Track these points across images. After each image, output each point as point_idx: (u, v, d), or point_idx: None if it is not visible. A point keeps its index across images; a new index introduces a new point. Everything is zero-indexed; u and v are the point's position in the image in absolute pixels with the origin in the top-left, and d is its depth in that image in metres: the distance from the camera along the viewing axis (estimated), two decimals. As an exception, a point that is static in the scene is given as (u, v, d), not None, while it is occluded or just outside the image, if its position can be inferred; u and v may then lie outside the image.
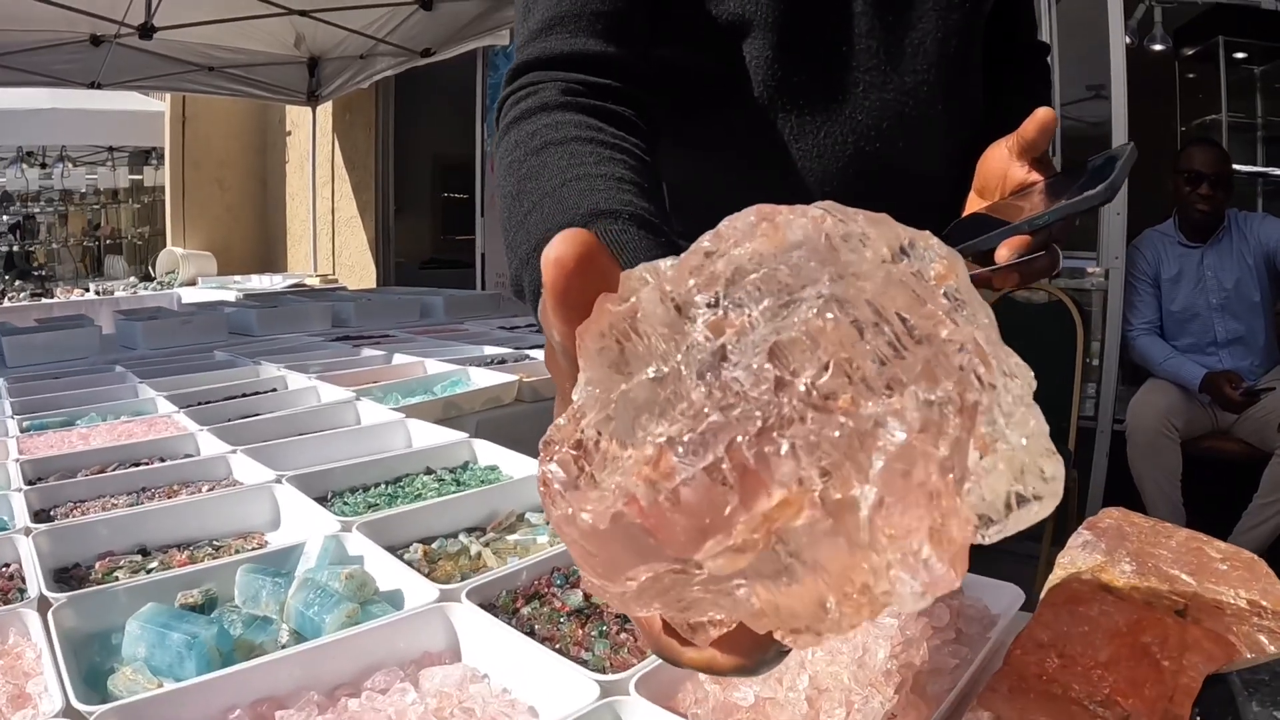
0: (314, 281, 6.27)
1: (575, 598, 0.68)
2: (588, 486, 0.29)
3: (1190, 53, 5.32)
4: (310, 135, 7.11)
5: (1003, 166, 0.77)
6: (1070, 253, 4.30)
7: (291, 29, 5.77)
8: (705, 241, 0.31)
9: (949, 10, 0.87)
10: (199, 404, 1.55)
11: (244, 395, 1.64)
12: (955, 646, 0.59)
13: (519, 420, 1.51)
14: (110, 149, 11.17)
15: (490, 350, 2.13)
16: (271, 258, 8.18)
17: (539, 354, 2.03)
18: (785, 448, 0.26)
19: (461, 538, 0.85)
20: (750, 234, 0.30)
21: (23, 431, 1.40)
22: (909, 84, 0.86)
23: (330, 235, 7.38)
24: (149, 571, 0.78)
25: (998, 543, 0.28)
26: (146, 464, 1.16)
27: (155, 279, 7.75)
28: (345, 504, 0.96)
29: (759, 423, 0.26)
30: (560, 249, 0.33)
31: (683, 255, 0.31)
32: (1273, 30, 5.19)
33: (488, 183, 5.76)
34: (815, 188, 0.86)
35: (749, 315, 0.28)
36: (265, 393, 1.66)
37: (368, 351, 2.18)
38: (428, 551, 0.81)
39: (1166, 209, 3.54)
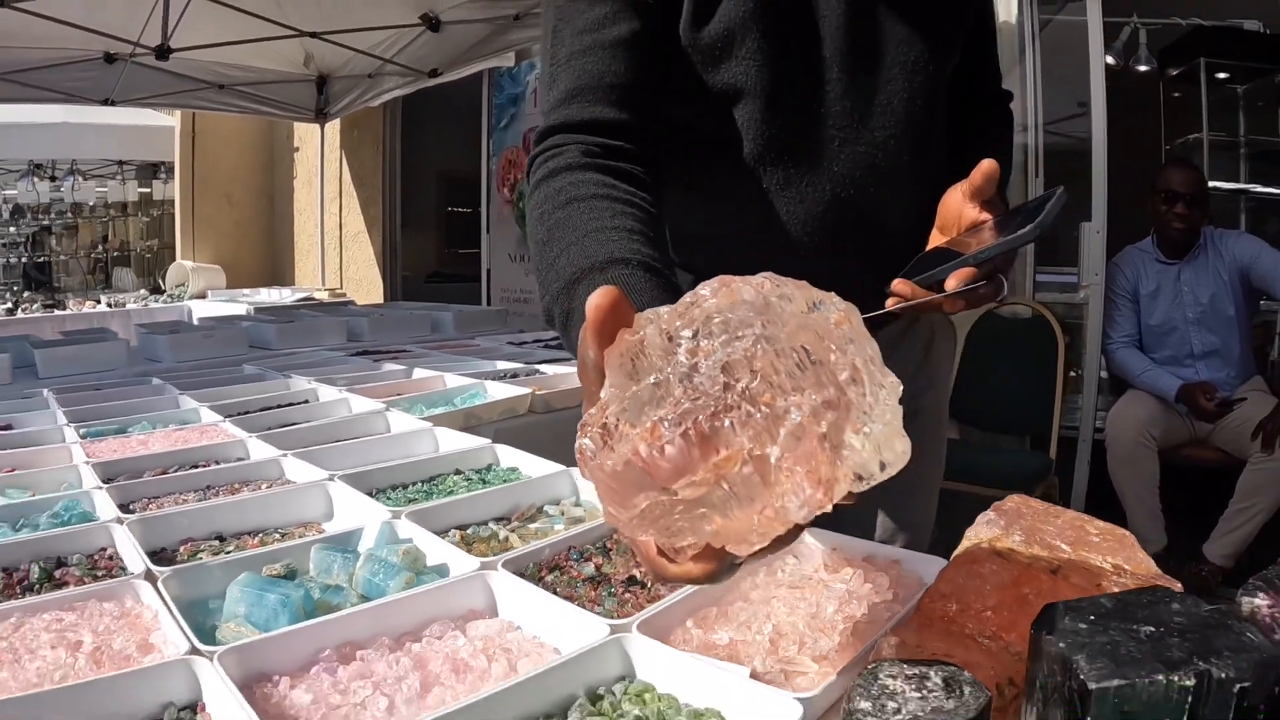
0: (323, 295, 6.41)
1: (589, 568, 0.83)
2: (608, 451, 0.45)
3: (1174, 73, 5.47)
4: (318, 152, 7.26)
5: (958, 207, 0.91)
6: (1053, 269, 4.45)
7: (301, 48, 5.89)
8: (688, 297, 0.48)
9: (914, 73, 1.02)
10: (240, 414, 1.70)
11: (279, 406, 1.79)
12: (891, 605, 0.74)
13: (533, 429, 1.66)
14: (120, 163, 11.33)
15: (502, 365, 2.29)
16: (279, 271, 8.32)
17: (548, 369, 2.19)
18: (728, 424, 0.44)
19: (491, 525, 1.01)
20: (716, 293, 0.47)
21: (82, 438, 1.55)
22: (879, 138, 1.01)
23: (338, 250, 7.52)
24: (228, 553, 0.94)
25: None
26: (205, 466, 1.32)
27: (165, 291, 7.88)
28: (388, 498, 1.12)
29: (713, 409, 0.44)
30: (597, 299, 0.50)
31: (674, 305, 0.48)
32: (1254, 50, 5.34)
33: (493, 199, 5.90)
34: (799, 229, 1.01)
35: (712, 344, 0.46)
36: (299, 404, 1.82)
37: (389, 366, 2.34)
38: (464, 536, 0.96)
39: (1149, 225, 3.69)
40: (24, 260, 11.12)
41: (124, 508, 1.11)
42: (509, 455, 1.27)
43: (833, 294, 0.49)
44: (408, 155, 7.38)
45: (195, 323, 4.44)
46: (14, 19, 4.37)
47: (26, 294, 8.63)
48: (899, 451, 0.46)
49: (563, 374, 2.11)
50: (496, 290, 5.91)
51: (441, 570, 0.85)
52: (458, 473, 1.23)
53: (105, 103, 6.05)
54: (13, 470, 1.34)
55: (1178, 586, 0.63)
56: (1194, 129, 5.30)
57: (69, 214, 11.56)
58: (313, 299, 6.21)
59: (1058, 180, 4.28)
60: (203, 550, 0.97)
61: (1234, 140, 5.42)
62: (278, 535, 1.02)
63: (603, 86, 0.91)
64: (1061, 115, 4.62)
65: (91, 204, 11.62)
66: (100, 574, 0.91)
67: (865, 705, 0.47)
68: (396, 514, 0.97)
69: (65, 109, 7.75)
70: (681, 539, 0.46)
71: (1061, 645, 0.47)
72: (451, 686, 0.65)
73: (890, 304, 0.84)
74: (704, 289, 0.49)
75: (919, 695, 0.48)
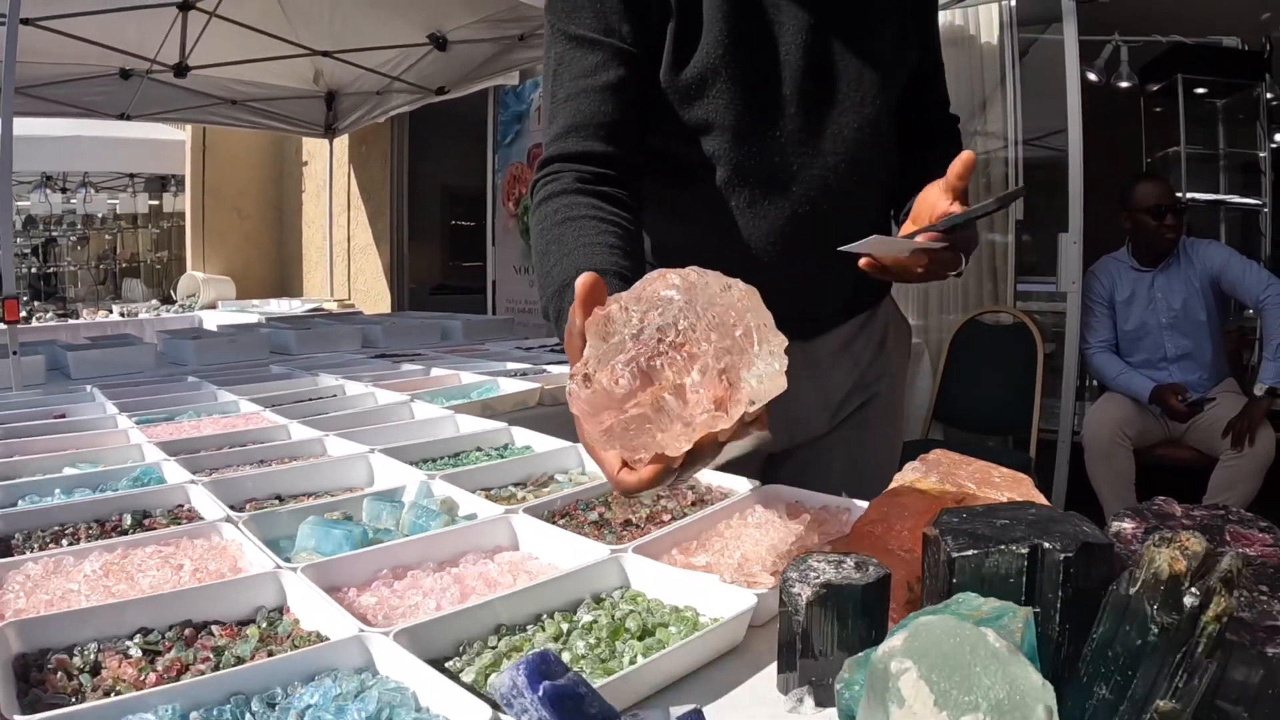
0: (332, 306, 6.58)
1: (593, 515, 1.01)
2: (587, 387, 0.65)
3: (1154, 89, 5.65)
4: (327, 166, 7.44)
5: (933, 199, 1.05)
6: (1032, 278, 4.63)
7: (311, 65, 6.06)
8: (640, 283, 0.67)
9: (862, 106, 1.21)
10: (276, 405, 1.88)
11: (311, 399, 1.97)
12: (837, 539, 0.92)
13: (543, 420, 1.83)
14: (130, 176, 11.52)
15: (512, 365, 2.48)
16: (288, 283, 8.50)
17: (554, 369, 2.38)
18: (660, 364, 0.64)
19: (510, 487, 1.19)
20: (658, 279, 0.67)
21: (136, 424, 1.72)
22: (830, 162, 1.20)
23: (346, 261, 7.70)
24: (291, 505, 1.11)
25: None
26: (255, 445, 1.50)
27: (176, 302, 8.03)
28: (420, 468, 1.29)
29: (650, 355, 0.65)
30: (584, 281, 0.71)
31: (632, 288, 0.68)
32: (1233, 66, 5.52)
33: (498, 213, 6.07)
34: (764, 241, 1.20)
35: (652, 314, 0.67)
36: (328, 397, 2.00)
37: (408, 366, 2.52)
38: (488, 495, 1.14)
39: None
40: (31, 270, 11.28)
41: (194, 475, 1.28)
42: (523, 435, 1.46)
43: (738, 280, 0.70)
44: (415, 169, 7.56)
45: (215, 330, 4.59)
46: (31, 36, 4.50)
47: (36, 304, 8.76)
48: (778, 386, 0.68)
49: (568, 372, 2.28)
50: (502, 301, 6.07)
51: (471, 518, 1.03)
52: (479, 449, 1.41)
53: (121, 117, 6.22)
54: (80, 449, 1.51)
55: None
56: (1174, 142, 5.47)
57: (80, 225, 11.73)
58: (322, 309, 6.37)
59: (1038, 192, 4.45)
60: (266, 506, 1.14)
61: (1213, 153, 5.60)
62: (328, 497, 1.19)
63: (593, 124, 1.09)
64: (1046, 130, 4.79)
65: (102, 215, 11.79)
66: (183, 522, 1.09)
67: (793, 574, 0.66)
68: (431, 476, 1.15)
69: (76, 122, 7.89)
70: (634, 452, 0.67)
71: (936, 531, 0.65)
72: (484, 594, 0.83)
73: (863, 264, 1.01)
74: (650, 276, 0.71)
75: (834, 569, 0.66)
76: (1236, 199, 5.60)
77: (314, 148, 7.86)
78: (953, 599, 0.61)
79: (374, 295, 7.57)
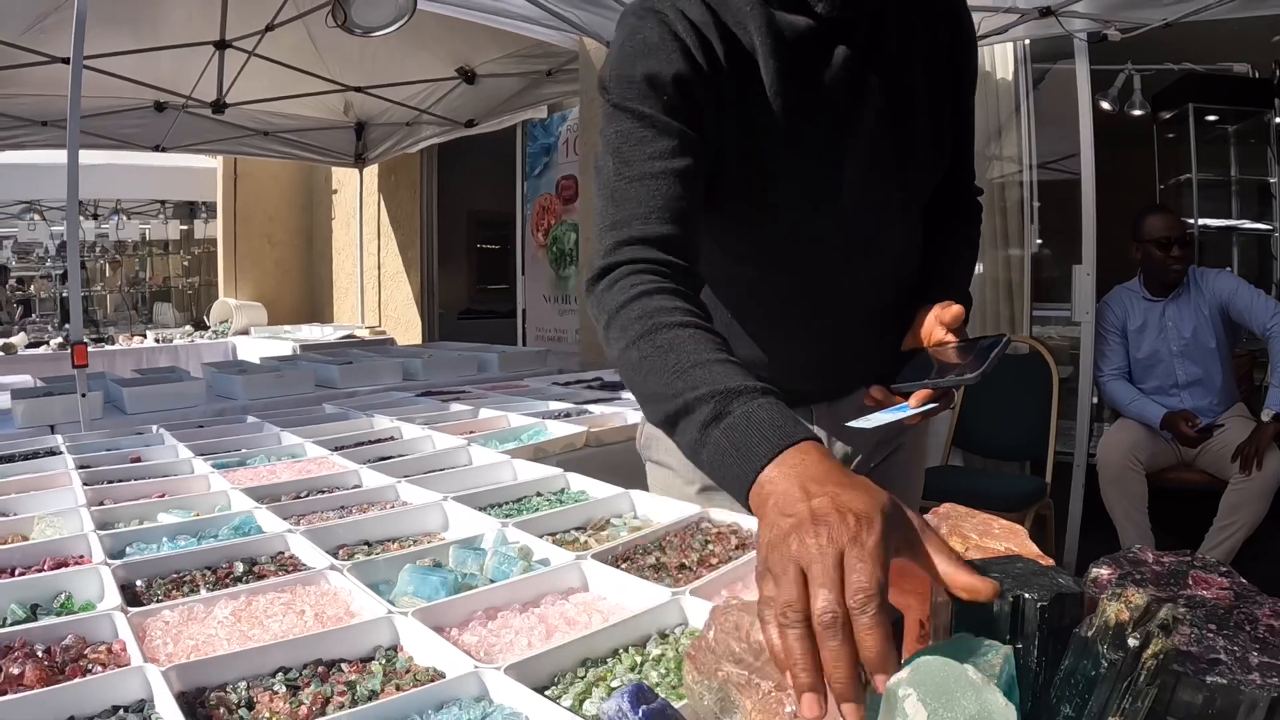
0: (363, 333, 6.75)
1: (651, 559, 1.16)
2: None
3: (1167, 116, 5.77)
4: (356, 194, 7.63)
5: (930, 328, 1.20)
6: (1048, 305, 4.75)
7: (341, 97, 6.27)
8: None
9: (906, 213, 1.31)
10: (339, 448, 2.04)
11: (370, 442, 2.13)
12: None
13: (589, 461, 1.99)
14: (161, 202, 11.80)
15: (554, 405, 2.64)
16: (318, 308, 8.68)
17: (595, 408, 2.54)
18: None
19: (573, 532, 1.35)
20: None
21: (213, 469, 1.87)
22: (875, 274, 1.29)
23: (377, 288, 7.88)
24: (382, 553, 1.27)
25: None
26: (329, 492, 1.65)
27: (209, 327, 8.21)
28: (489, 514, 1.44)
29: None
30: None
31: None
32: (1243, 93, 5.64)
33: (528, 243, 6.21)
34: (798, 336, 1.31)
35: None
36: (385, 440, 2.16)
37: (456, 406, 2.68)
38: (554, 539, 1.29)
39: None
40: (64, 295, 11.52)
41: (288, 522, 1.43)
42: (577, 481, 1.61)
43: None
44: (443, 198, 7.75)
45: (257, 360, 4.75)
46: (68, 71, 4.73)
47: (66, 326, 8.93)
48: None
49: (608, 414, 2.45)
50: (532, 328, 6.22)
51: (545, 562, 1.18)
52: (538, 495, 1.57)
53: (156, 149, 6.44)
54: (163, 495, 1.65)
55: (1050, 562, 0.95)
56: (1186, 169, 5.59)
57: (113, 251, 11.99)
58: (354, 336, 6.54)
59: (1053, 220, 4.55)
60: (357, 552, 1.30)
61: (1225, 179, 5.71)
62: (411, 542, 1.35)
63: (672, 209, 1.06)
64: (1061, 154, 4.91)
65: (134, 241, 12.06)
66: (288, 569, 1.24)
67: None
68: (505, 523, 1.31)
69: (110, 151, 8.08)
70: None
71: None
72: (566, 631, 0.98)
73: (867, 401, 1.17)
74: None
75: None
76: (1248, 224, 5.71)
77: (344, 176, 8.07)
78: (954, 637, 0.75)
79: (404, 321, 7.75)
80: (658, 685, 0.85)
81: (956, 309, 1.16)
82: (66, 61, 4.63)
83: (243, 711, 0.85)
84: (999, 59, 4.37)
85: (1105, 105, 5.25)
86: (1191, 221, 5.35)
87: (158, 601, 1.12)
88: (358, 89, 5.95)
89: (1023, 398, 4.09)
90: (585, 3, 3.98)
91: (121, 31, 4.61)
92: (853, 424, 1.13)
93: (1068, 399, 4.07)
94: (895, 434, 1.50)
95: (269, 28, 4.43)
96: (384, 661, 0.94)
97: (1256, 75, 5.69)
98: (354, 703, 0.85)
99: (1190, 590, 0.91)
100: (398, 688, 0.87)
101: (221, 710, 0.85)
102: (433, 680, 0.88)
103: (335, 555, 1.29)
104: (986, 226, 4.44)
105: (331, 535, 1.34)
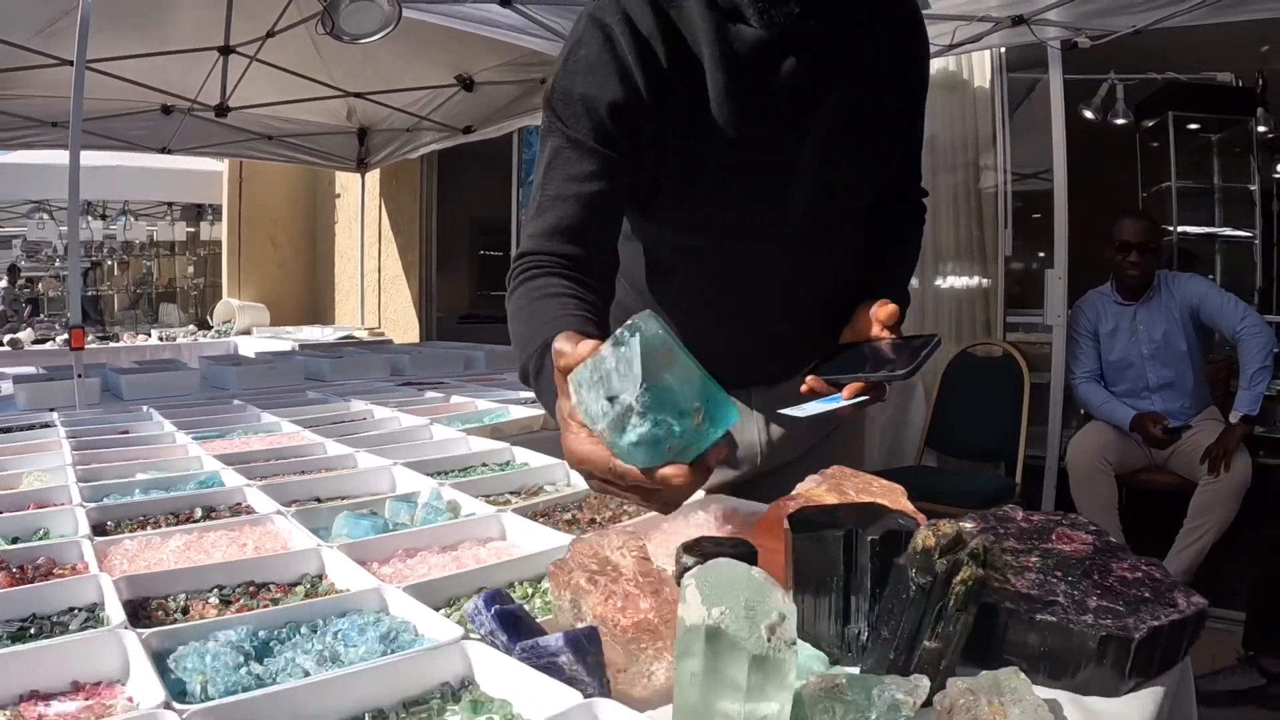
0: (362, 334, 6.84)
1: (568, 516, 1.27)
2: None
3: (1149, 124, 5.86)
4: (359, 199, 7.75)
5: (866, 325, 1.24)
6: (1022, 311, 4.84)
7: (344, 103, 6.38)
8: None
9: (854, 225, 1.38)
10: (314, 426, 2.15)
11: (343, 421, 2.24)
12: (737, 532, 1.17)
13: (544, 442, 2.07)
14: (169, 204, 11.97)
15: (525, 394, 2.74)
16: (320, 310, 8.80)
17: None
18: None
19: (507, 495, 1.46)
20: None
21: (193, 440, 1.99)
22: (821, 278, 1.34)
23: (377, 291, 8.00)
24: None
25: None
26: (296, 459, 1.77)
27: (213, 327, 8.33)
28: (437, 478, 1.56)
29: None
30: (559, 344, 0.84)
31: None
32: (1226, 102, 5.72)
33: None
34: (740, 327, 1.36)
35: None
36: (359, 420, 2.27)
37: (430, 394, 2.80)
38: (488, 499, 1.40)
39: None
40: (81, 294, 11.65)
41: (249, 480, 1.55)
42: (522, 454, 1.72)
43: None
44: (443, 203, 7.87)
45: (253, 356, 4.87)
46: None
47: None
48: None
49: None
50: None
51: (471, 515, 1.29)
52: (484, 465, 1.68)
53: (162, 151, 6.55)
54: (148, 460, 1.79)
55: (921, 518, 1.04)
56: (1168, 177, 5.68)
57: (120, 251, 12.15)
58: (353, 337, 6.65)
59: (1030, 229, 4.64)
60: (308, 506, 1.41)
61: (1207, 187, 5.79)
62: (359, 498, 1.46)
63: (576, 230, 1.16)
64: (1042, 166, 4.99)
65: (141, 242, 12.23)
66: (243, 515, 1.35)
67: (683, 548, 0.91)
68: (442, 483, 1.42)
69: (119, 153, 8.20)
70: None
71: (791, 522, 0.90)
72: (474, 567, 1.09)
73: (804, 390, 1.22)
74: None
75: (714, 547, 0.91)
76: (1229, 231, 5.79)
77: (346, 180, 8.18)
78: None
79: (403, 324, 7.86)
80: (541, 609, 0.95)
81: (891, 308, 1.20)
82: (73, 64, 4.81)
83: (178, 615, 0.98)
84: (976, 67, 4.48)
85: (1088, 114, 5.34)
86: (1170, 228, 5.43)
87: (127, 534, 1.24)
88: (358, 95, 6.07)
89: (996, 400, 4.18)
90: (569, 13, 4.10)
91: (129, 35, 4.73)
92: (786, 411, 1.19)
93: (1040, 405, 4.15)
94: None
95: (270, 34, 4.55)
96: (309, 586, 1.05)
97: (1240, 84, 5.77)
98: (276, 611, 0.96)
99: (1051, 545, 1.00)
100: (314, 604, 0.98)
101: (160, 613, 0.97)
102: (346, 599, 0.99)
103: (289, 507, 1.40)
104: (963, 233, 4.56)
105: (286, 490, 1.46)
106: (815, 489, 1.12)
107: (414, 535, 1.17)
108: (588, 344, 0.78)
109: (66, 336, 6.97)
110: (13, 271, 10.50)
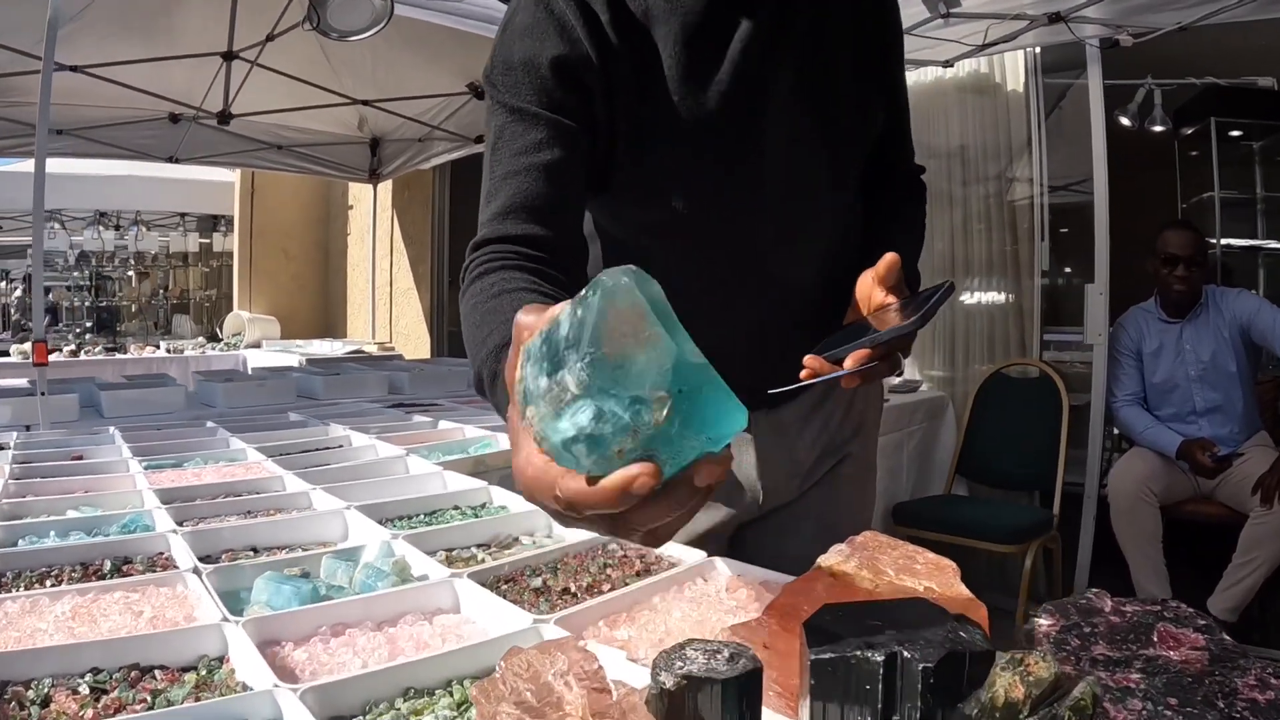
0: (372, 349, 6.69)
1: (536, 581, 1.05)
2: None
3: (1189, 132, 5.60)
4: (371, 210, 7.61)
5: (868, 290, 1.08)
6: (1057, 329, 4.59)
7: (356, 112, 6.23)
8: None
9: (837, 189, 1.23)
10: (281, 454, 1.95)
11: (317, 449, 2.04)
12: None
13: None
14: (181, 215, 11.88)
15: (518, 421, 2.53)
16: (332, 324, 8.66)
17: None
18: None
19: (474, 549, 1.23)
20: None
21: (145, 469, 1.80)
22: (809, 250, 1.21)
23: (388, 305, 7.84)
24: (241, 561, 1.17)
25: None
26: (248, 495, 1.57)
27: (222, 340, 8.22)
28: (395, 526, 1.34)
29: None
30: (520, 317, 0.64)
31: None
32: (1268, 107, 5.46)
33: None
34: (729, 322, 1.17)
35: None
36: (334, 448, 2.07)
37: (418, 418, 2.60)
38: (449, 555, 1.18)
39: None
40: (93, 305, 11.63)
41: (179, 524, 1.35)
42: (500, 495, 1.50)
43: None
44: (455, 215, 7.71)
45: (249, 371, 4.72)
46: (84, 81, 4.74)
47: (89, 336, 9.00)
48: None
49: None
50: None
51: (423, 579, 1.07)
52: (456, 508, 1.46)
53: (170, 160, 6.42)
54: (87, 492, 1.61)
55: (982, 610, 0.81)
56: (1209, 187, 5.42)
57: (132, 262, 12.09)
58: (362, 352, 6.49)
59: (1065, 242, 4.43)
60: (240, 557, 1.20)
61: (1249, 197, 5.52)
62: (301, 550, 1.25)
63: (533, 206, 1.05)
64: (1079, 176, 4.76)
65: (154, 253, 12.15)
66: (158, 570, 1.15)
67: (661, 662, 0.66)
68: (395, 535, 1.20)
69: (131, 162, 8.11)
70: None
71: (806, 628, 0.67)
72: (410, 655, 0.87)
73: (803, 375, 1.03)
74: None
75: (705, 659, 0.66)
76: (1274, 244, 5.52)
77: (359, 191, 8.04)
78: None
79: (414, 338, 7.69)
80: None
81: (891, 256, 1.04)
82: (75, 69, 4.69)
83: (34, 709, 0.78)
84: (1009, 70, 4.25)
85: (1125, 121, 5.08)
86: (1214, 241, 5.17)
87: (19, 591, 1.08)
88: (366, 102, 5.92)
89: (1032, 424, 3.94)
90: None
91: (132, 40, 4.60)
92: (776, 390, 1.00)
93: (1080, 428, 3.91)
94: (840, 443, 1.38)
95: (269, 37, 4.39)
96: (204, 672, 0.85)
97: (1280, 89, 5.51)
98: (151, 709, 0.76)
99: (1154, 650, 0.76)
100: (198, 700, 0.77)
101: (14, 705, 0.78)
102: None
103: (218, 560, 1.20)
104: (995, 246, 4.32)
105: (216, 539, 1.26)
106: (842, 563, 0.90)
107: (345, 606, 0.96)
108: (555, 308, 0.57)
109: (74, 348, 6.90)
110: (27, 281, 10.44)
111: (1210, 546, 3.59)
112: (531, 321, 0.58)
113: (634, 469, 0.51)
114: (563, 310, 0.54)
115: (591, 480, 0.53)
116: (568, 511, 0.56)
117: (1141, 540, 3.58)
